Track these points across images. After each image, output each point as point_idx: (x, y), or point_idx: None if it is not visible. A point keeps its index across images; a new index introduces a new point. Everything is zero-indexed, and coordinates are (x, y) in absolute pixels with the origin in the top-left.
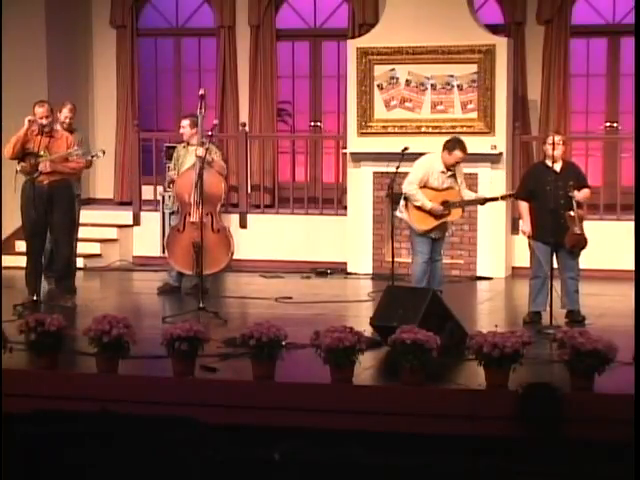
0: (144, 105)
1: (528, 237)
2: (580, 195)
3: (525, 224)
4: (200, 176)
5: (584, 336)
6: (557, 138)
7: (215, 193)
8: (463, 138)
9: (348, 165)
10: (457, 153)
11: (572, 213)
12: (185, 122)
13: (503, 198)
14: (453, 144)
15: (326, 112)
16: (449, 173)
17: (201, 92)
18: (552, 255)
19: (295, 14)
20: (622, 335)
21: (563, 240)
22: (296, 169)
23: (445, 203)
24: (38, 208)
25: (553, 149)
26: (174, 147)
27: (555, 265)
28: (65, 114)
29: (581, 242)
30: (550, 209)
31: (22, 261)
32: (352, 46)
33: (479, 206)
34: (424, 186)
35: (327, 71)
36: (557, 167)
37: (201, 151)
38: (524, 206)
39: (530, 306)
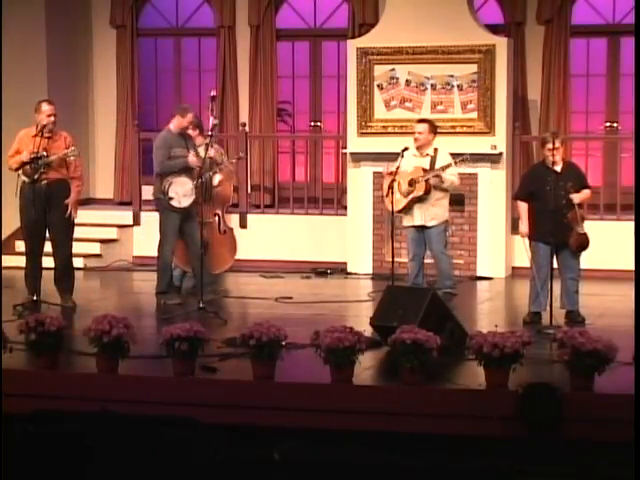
0: (144, 105)
1: (529, 238)
2: (579, 197)
3: (523, 225)
4: (200, 176)
5: (584, 336)
6: (556, 142)
7: (224, 195)
8: (463, 138)
9: (348, 165)
10: (415, 127)
11: (575, 210)
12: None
13: (457, 163)
14: None
15: (326, 112)
16: (425, 155)
17: (212, 93)
18: (552, 255)
19: (295, 14)
20: (622, 335)
21: (564, 240)
22: (296, 169)
23: (411, 181)
24: (37, 208)
25: (553, 154)
26: None
27: (555, 265)
28: (189, 119)
29: (585, 242)
30: (550, 209)
31: (22, 261)
32: (352, 46)
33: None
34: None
35: (327, 71)
36: (557, 168)
37: (212, 152)
38: (523, 207)
39: (530, 306)
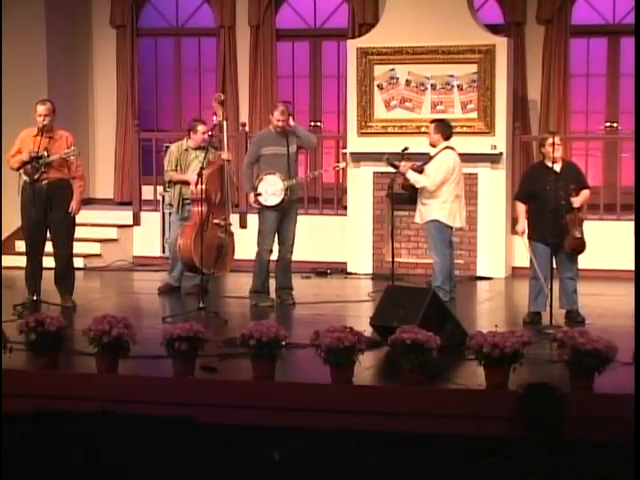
0: (144, 105)
1: (528, 237)
2: (579, 199)
3: (519, 225)
4: (199, 176)
5: (584, 336)
6: (556, 139)
7: (232, 198)
8: (463, 138)
9: (348, 165)
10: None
11: (575, 214)
12: (205, 127)
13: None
14: None
15: (326, 112)
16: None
17: (222, 98)
18: (552, 255)
19: (295, 14)
20: (622, 335)
21: (563, 241)
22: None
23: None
24: (38, 208)
25: (554, 151)
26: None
27: (554, 265)
28: (277, 117)
29: (580, 246)
30: (550, 210)
31: (22, 261)
32: (352, 46)
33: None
34: None
35: (327, 71)
36: (557, 167)
37: (225, 155)
38: (521, 207)
39: (530, 306)
